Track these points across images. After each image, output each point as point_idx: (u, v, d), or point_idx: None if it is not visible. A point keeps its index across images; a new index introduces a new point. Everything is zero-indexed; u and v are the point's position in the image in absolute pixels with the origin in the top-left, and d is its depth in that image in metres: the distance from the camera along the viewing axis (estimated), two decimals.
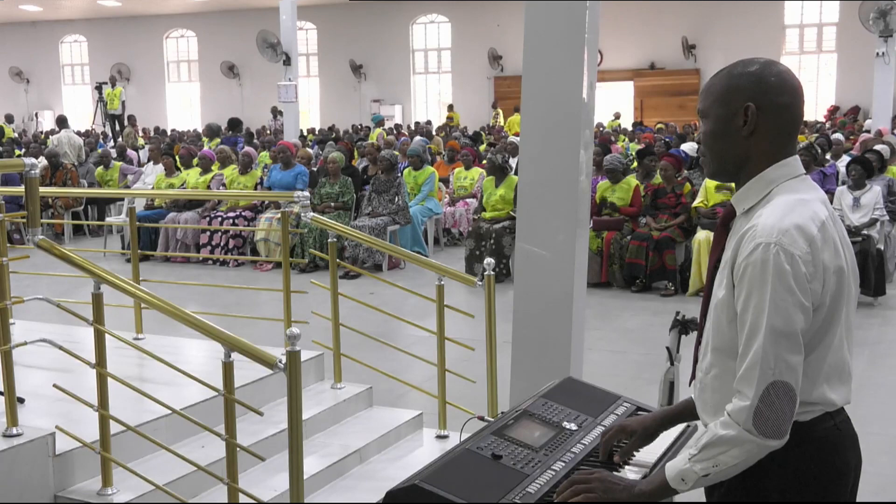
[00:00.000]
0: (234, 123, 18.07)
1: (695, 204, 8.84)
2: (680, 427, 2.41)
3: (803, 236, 1.85)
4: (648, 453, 2.28)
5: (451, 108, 26.64)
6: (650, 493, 1.96)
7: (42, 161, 13.00)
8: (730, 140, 1.99)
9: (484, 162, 12.90)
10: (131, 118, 21.19)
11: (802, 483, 1.93)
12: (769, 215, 1.90)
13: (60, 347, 3.57)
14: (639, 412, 2.51)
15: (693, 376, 2.14)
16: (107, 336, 3.38)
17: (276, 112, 22.17)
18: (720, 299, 1.96)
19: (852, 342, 2.02)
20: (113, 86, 22.30)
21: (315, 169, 11.85)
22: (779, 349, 1.83)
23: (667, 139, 14.63)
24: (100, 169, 13.58)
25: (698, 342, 2.13)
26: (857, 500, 2.04)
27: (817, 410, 1.94)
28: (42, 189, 4.10)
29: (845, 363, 1.98)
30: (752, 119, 1.96)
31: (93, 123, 25.58)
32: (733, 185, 2.07)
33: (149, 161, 13.86)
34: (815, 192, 1.99)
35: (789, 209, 1.89)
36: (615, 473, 2.11)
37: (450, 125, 23.54)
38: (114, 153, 14.58)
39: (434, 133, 20.54)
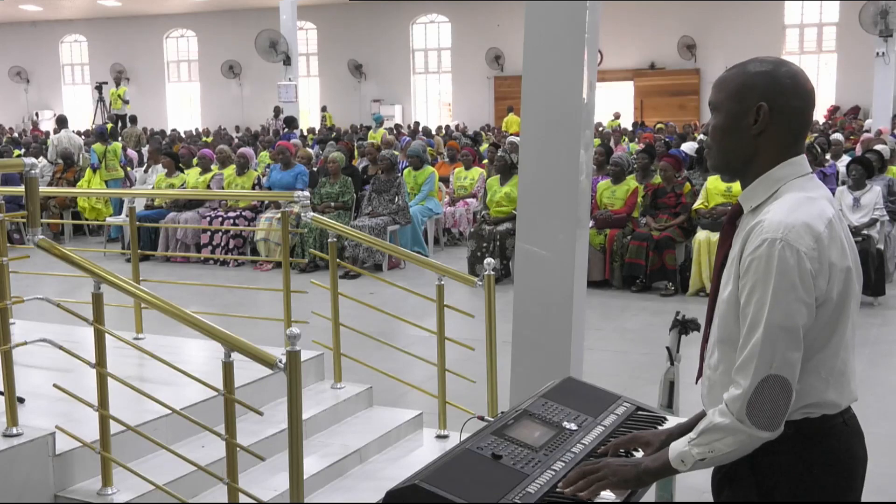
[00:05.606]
0: (290, 121, 18.09)
1: (696, 206, 8.82)
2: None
3: (810, 233, 1.87)
4: None
5: (324, 108, 27.41)
6: (655, 471, 2.02)
7: (42, 162, 12.93)
8: (738, 137, 2.00)
9: (485, 162, 12.88)
10: (133, 118, 21.16)
11: (812, 479, 1.95)
12: (776, 211, 1.91)
13: (60, 347, 3.57)
14: (639, 412, 2.52)
15: (700, 374, 2.16)
16: (107, 336, 3.38)
17: (277, 111, 22.20)
18: (727, 295, 1.97)
19: (854, 340, 2.04)
20: (118, 85, 22.27)
21: (315, 169, 11.84)
22: (778, 344, 1.86)
23: (667, 139, 14.62)
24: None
25: (704, 341, 2.14)
26: (859, 499, 2.05)
27: (830, 409, 1.96)
28: (43, 189, 4.10)
29: (852, 360, 2.00)
30: (764, 119, 1.96)
31: (92, 123, 25.56)
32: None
33: (148, 161, 13.79)
34: (822, 191, 2.00)
35: (797, 206, 1.91)
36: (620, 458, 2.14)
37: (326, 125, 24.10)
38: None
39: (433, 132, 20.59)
